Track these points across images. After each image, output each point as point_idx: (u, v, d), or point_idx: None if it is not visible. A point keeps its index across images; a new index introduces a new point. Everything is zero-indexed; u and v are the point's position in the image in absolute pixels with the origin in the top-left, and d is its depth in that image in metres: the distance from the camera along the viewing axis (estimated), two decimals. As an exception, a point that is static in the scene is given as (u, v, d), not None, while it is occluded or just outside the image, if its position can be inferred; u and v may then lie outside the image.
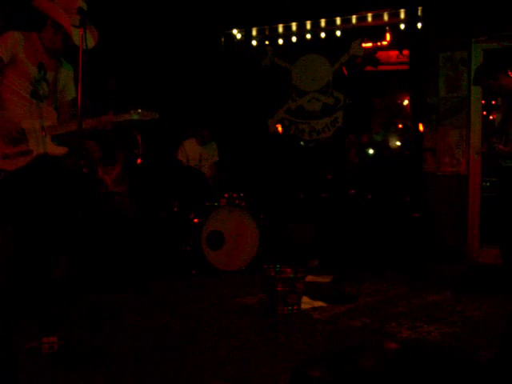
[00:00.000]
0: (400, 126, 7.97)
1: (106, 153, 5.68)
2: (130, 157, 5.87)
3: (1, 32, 3.34)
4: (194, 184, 6.08)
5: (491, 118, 6.66)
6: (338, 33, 7.34)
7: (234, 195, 5.69)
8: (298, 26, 7.54)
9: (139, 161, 5.86)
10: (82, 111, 3.07)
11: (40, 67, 3.36)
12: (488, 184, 5.85)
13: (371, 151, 7.31)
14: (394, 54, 7.64)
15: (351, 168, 6.96)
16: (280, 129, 7.66)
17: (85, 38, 3.01)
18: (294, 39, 7.64)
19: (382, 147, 7.37)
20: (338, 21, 7.27)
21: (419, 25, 6.63)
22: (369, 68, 7.54)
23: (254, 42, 7.86)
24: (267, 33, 7.77)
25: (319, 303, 4.21)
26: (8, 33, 3.29)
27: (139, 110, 3.56)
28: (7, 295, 3.29)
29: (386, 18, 6.98)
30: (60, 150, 3.43)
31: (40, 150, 3.34)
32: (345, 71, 7.36)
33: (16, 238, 3.29)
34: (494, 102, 6.58)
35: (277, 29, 7.66)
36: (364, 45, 7.42)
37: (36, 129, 3.33)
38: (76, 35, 3.17)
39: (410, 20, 6.75)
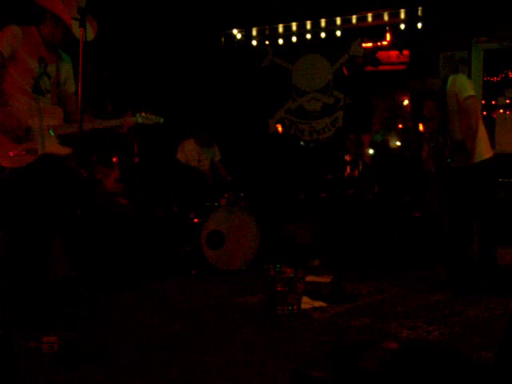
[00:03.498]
0: (400, 125, 7.97)
1: (104, 154, 5.67)
2: (127, 157, 5.87)
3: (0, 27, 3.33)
4: (194, 184, 6.08)
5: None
6: (338, 33, 7.35)
7: (234, 195, 5.70)
8: (298, 26, 7.55)
9: (136, 161, 5.86)
10: (82, 111, 3.06)
11: (40, 61, 3.35)
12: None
13: (371, 151, 7.30)
14: (394, 54, 7.65)
15: (351, 168, 6.96)
16: (280, 129, 7.66)
17: (85, 36, 3.01)
18: (294, 39, 7.65)
19: (382, 147, 7.36)
20: (338, 21, 7.27)
21: (419, 25, 6.63)
22: (369, 68, 7.53)
23: (254, 42, 7.86)
24: (267, 33, 7.78)
25: (319, 303, 4.21)
26: (7, 27, 3.28)
27: (143, 114, 3.55)
28: (6, 295, 3.29)
29: (386, 18, 6.99)
30: (64, 151, 3.42)
31: (44, 149, 3.33)
32: (345, 71, 7.36)
33: (15, 237, 3.28)
34: (493, 102, 6.57)
35: (277, 29, 7.66)
36: (364, 45, 7.43)
37: (40, 127, 3.33)
38: (76, 28, 3.16)
39: (410, 20, 6.75)
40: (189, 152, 6.28)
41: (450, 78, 4.45)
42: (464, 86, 4.35)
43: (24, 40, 3.29)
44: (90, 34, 3.34)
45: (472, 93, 4.34)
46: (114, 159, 5.76)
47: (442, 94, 4.43)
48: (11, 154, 3.22)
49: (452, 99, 4.38)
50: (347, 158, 6.70)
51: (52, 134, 3.36)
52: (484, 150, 4.41)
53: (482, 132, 4.44)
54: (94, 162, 5.63)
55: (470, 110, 4.33)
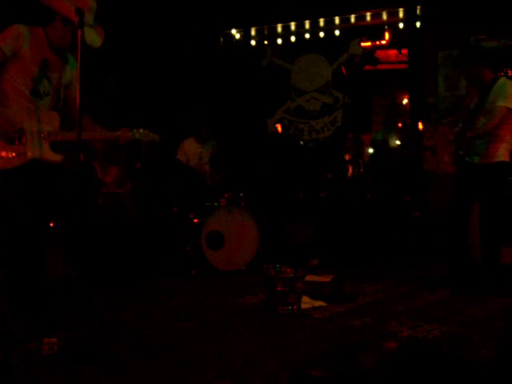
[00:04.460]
0: (400, 125, 7.98)
1: (105, 154, 5.67)
2: (131, 158, 5.87)
3: (6, 26, 3.31)
4: (193, 184, 6.08)
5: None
6: (337, 32, 7.35)
7: (234, 195, 5.70)
8: (296, 26, 7.55)
9: (140, 163, 5.86)
10: (80, 114, 3.05)
11: (43, 63, 3.33)
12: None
13: (371, 150, 7.31)
14: (392, 53, 7.66)
15: (351, 167, 6.96)
16: (279, 128, 7.66)
17: (83, 39, 3.00)
18: (292, 39, 7.65)
19: (382, 146, 7.37)
20: (337, 20, 7.28)
21: (418, 24, 6.64)
22: (368, 67, 7.54)
23: (253, 42, 7.87)
24: (266, 32, 7.78)
25: (319, 303, 4.20)
26: (13, 26, 3.26)
27: (141, 130, 3.54)
28: (6, 296, 3.29)
29: (384, 17, 7.00)
30: (56, 157, 3.40)
31: (36, 153, 3.30)
32: (344, 70, 7.37)
33: (7, 237, 3.27)
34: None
35: (276, 28, 7.66)
36: (363, 44, 7.43)
37: (34, 131, 3.31)
38: (87, 34, 3.15)
39: (409, 19, 6.76)
40: (190, 150, 6.30)
41: (502, 80, 4.47)
42: (507, 95, 4.37)
43: (28, 40, 3.26)
44: (98, 41, 3.34)
45: (510, 105, 4.36)
46: (119, 159, 5.76)
47: (487, 90, 4.45)
48: (2, 154, 3.21)
49: (492, 100, 4.41)
50: (347, 157, 6.70)
51: (46, 139, 3.33)
52: (503, 153, 4.46)
53: (507, 139, 4.46)
54: (99, 161, 5.64)
55: (498, 116, 4.37)
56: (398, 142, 7.54)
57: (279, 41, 7.73)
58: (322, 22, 7.36)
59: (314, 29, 7.46)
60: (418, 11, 6.64)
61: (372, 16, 7.03)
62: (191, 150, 6.30)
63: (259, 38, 7.85)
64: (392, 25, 7.06)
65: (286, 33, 7.63)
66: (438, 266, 5.46)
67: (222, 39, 7.88)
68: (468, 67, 4.59)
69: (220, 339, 3.34)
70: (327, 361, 2.04)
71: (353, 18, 7.16)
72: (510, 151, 4.50)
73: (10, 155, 3.22)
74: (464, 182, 4.58)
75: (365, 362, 1.99)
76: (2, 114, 3.23)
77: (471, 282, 4.52)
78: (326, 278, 5.10)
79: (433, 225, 6.12)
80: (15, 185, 3.26)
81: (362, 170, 6.74)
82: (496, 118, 4.38)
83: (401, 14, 6.90)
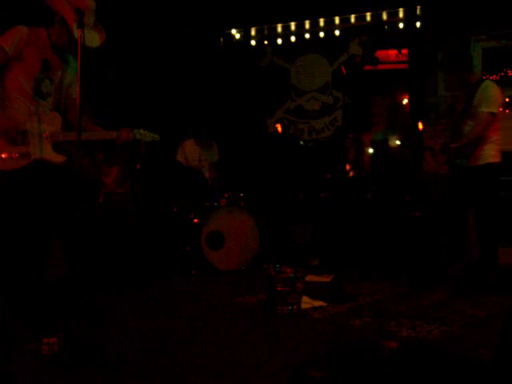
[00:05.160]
0: (400, 124, 7.97)
1: (106, 153, 5.68)
2: (132, 158, 5.87)
3: (9, 27, 3.31)
4: (193, 184, 6.08)
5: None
6: (337, 32, 7.35)
7: (234, 195, 5.70)
8: (296, 26, 7.56)
9: (140, 163, 5.86)
10: (80, 112, 3.05)
11: (44, 64, 3.33)
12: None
13: (371, 150, 7.31)
14: (393, 53, 7.65)
15: (351, 167, 6.96)
16: (279, 128, 7.67)
17: (83, 38, 2.99)
18: (292, 39, 7.65)
19: (382, 146, 7.36)
20: (337, 20, 7.28)
21: (418, 24, 6.64)
22: (368, 67, 7.53)
23: (253, 42, 7.87)
24: (266, 32, 7.79)
25: (319, 303, 4.21)
26: (15, 27, 3.27)
27: (142, 130, 3.56)
28: (5, 296, 3.29)
29: (384, 17, 6.99)
30: (59, 158, 3.40)
31: (39, 154, 3.31)
32: (344, 70, 7.37)
33: (9, 238, 3.27)
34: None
35: (276, 28, 7.67)
36: (363, 44, 7.42)
37: (37, 132, 3.31)
38: (77, 34, 3.14)
39: (409, 19, 6.76)
40: (189, 152, 6.30)
41: (485, 84, 4.44)
42: (490, 99, 4.36)
43: (30, 41, 3.27)
44: (96, 42, 3.33)
45: (494, 110, 4.35)
46: (119, 159, 5.77)
47: (471, 93, 4.44)
48: (4, 155, 3.21)
49: (476, 104, 4.40)
50: (347, 166, 6.69)
51: (48, 140, 3.33)
52: (490, 155, 4.44)
53: (494, 140, 4.44)
54: (100, 161, 5.64)
55: (482, 123, 4.36)
56: (398, 142, 7.53)
57: (279, 41, 7.73)
58: (322, 22, 7.36)
59: (314, 29, 7.47)
60: (418, 11, 6.64)
61: (372, 16, 7.03)
62: (191, 152, 6.30)
63: (259, 38, 7.85)
64: (392, 25, 7.06)
65: (286, 33, 7.64)
66: (437, 265, 5.45)
67: (222, 39, 7.88)
68: (451, 72, 4.59)
69: (220, 339, 3.34)
70: (327, 361, 2.04)
71: (353, 18, 7.16)
72: (499, 151, 4.50)
73: (13, 156, 3.22)
74: (457, 185, 4.59)
75: (365, 362, 1.98)
76: (5, 115, 3.23)
77: (471, 282, 4.52)
78: (326, 278, 5.11)
79: (432, 225, 6.11)
80: (18, 186, 3.26)
81: (361, 170, 6.75)
82: (480, 125, 4.36)
83: (401, 14, 6.91)
